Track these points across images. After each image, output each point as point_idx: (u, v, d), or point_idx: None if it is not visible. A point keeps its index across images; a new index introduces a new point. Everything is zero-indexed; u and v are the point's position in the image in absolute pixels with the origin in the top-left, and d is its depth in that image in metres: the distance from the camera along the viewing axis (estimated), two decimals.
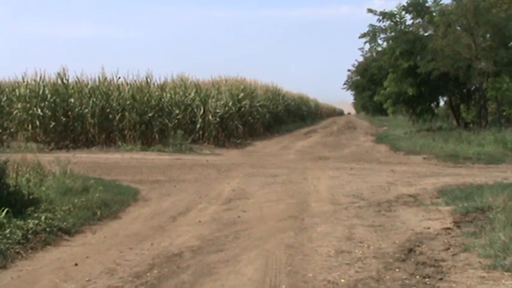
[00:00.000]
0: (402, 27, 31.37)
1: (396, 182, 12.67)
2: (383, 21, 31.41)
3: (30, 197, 8.77)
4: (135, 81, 25.20)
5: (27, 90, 23.83)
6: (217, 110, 25.68)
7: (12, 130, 23.58)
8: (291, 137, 33.33)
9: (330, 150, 22.99)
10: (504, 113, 27.27)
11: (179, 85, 26.46)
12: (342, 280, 5.73)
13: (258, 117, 32.58)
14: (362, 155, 20.51)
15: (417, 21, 31.45)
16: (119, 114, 23.57)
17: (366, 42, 32.61)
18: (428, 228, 7.96)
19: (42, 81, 24.45)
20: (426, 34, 30.91)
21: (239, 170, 15.66)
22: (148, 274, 6.05)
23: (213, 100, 25.97)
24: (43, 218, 7.85)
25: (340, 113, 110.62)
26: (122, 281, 5.83)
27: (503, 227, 6.90)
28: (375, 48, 34.35)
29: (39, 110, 23.18)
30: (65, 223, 8.04)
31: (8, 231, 7.05)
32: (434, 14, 30.13)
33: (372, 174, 14.28)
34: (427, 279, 5.70)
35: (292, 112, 46.34)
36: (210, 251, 7.00)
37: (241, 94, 29.44)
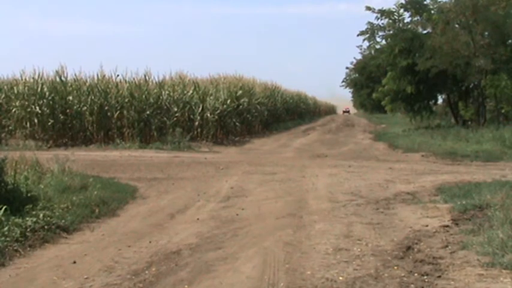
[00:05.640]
0: (400, 25, 31.40)
1: (394, 180, 12.67)
2: (381, 19, 31.46)
3: (29, 194, 8.77)
4: (134, 78, 25.30)
5: (26, 88, 23.83)
6: (216, 107, 25.68)
7: (10, 128, 23.59)
8: (289, 134, 33.33)
9: (328, 148, 23.00)
10: (502, 111, 27.27)
11: (177, 83, 26.45)
12: (340, 278, 5.73)
13: (256, 115, 32.59)
14: (360, 153, 20.53)
15: (415, 18, 31.47)
16: (117, 112, 23.59)
17: (364, 40, 32.68)
18: (427, 225, 7.97)
19: (41, 79, 24.45)
20: (424, 32, 30.98)
21: (237, 167, 15.65)
22: (146, 272, 6.05)
23: (211, 98, 25.97)
24: (41, 215, 7.85)
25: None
26: (120, 279, 5.83)
27: (502, 225, 6.90)
28: (374, 46, 34.34)
29: (37, 108, 23.17)
30: (63, 221, 8.03)
31: (6, 229, 7.05)
32: (432, 11, 30.14)
33: (370, 171, 14.28)
34: (425, 277, 5.70)
35: (290, 110, 46.34)
36: (208, 248, 7.00)
37: (240, 92, 29.43)
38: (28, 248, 6.92)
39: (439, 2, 30.12)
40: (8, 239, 6.86)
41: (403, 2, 30.95)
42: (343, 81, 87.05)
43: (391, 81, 31.97)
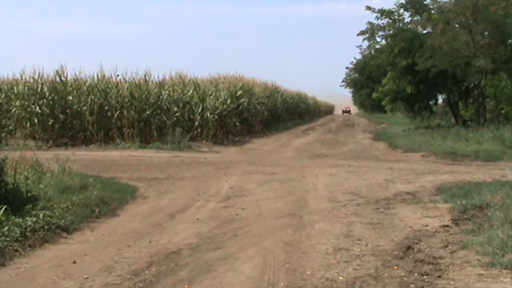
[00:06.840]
0: (400, 24, 31.37)
1: (394, 180, 12.67)
2: (381, 19, 31.42)
3: (29, 194, 8.77)
4: (134, 78, 25.30)
5: (26, 88, 23.82)
6: (216, 107, 25.68)
7: (10, 128, 23.59)
8: (289, 134, 33.34)
9: (328, 148, 23.00)
10: (502, 111, 27.23)
11: (177, 82, 26.44)
12: (340, 278, 5.73)
13: (256, 115, 32.60)
14: (360, 153, 20.53)
15: (415, 18, 31.44)
16: (117, 112, 23.60)
17: (364, 40, 32.66)
18: (427, 225, 7.97)
19: (41, 79, 24.42)
20: (424, 32, 30.96)
21: (237, 167, 15.65)
22: (146, 272, 6.05)
23: (211, 97, 25.96)
24: (41, 215, 7.85)
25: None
26: (120, 279, 5.83)
27: (502, 225, 6.91)
28: (373, 46, 34.30)
29: (37, 108, 23.16)
30: (63, 221, 8.03)
31: (6, 228, 7.05)
32: (432, 11, 30.13)
33: (370, 171, 14.29)
34: (425, 277, 5.71)
35: (290, 109, 46.34)
36: (208, 248, 7.00)
37: (240, 91, 29.39)
38: (28, 248, 6.92)
39: (439, 1, 30.10)
40: (8, 238, 6.86)
41: (403, 1, 30.92)
42: (343, 81, 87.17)
43: (391, 81, 31.97)
